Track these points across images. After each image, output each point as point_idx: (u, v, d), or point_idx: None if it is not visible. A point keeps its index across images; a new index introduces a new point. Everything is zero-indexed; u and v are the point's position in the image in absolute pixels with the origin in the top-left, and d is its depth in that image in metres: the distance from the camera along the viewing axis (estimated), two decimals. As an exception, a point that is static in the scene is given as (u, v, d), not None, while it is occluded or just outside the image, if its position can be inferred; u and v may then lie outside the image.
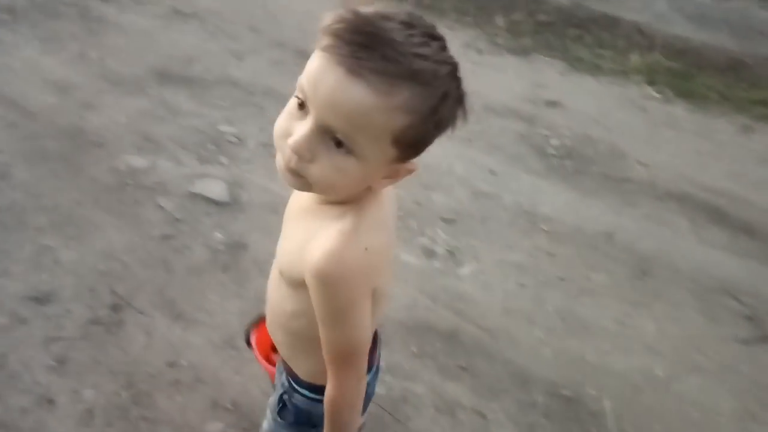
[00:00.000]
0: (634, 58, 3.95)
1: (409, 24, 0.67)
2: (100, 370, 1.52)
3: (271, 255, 0.90)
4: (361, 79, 0.63)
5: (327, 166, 0.68)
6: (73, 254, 1.84)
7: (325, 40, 0.65)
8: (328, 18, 0.66)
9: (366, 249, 0.74)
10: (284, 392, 0.95)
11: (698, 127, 3.33)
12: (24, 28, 3.34)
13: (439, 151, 2.73)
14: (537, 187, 2.60)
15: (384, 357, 1.70)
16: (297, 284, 0.78)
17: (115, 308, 1.68)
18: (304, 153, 0.67)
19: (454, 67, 0.72)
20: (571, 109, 3.34)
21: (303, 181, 0.71)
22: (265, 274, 0.96)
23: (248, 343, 1.20)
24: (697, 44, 4.47)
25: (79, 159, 2.29)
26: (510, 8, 4.63)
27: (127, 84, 2.89)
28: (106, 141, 2.43)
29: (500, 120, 3.12)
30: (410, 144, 0.70)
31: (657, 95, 3.58)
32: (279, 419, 0.96)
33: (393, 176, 0.74)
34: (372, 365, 0.96)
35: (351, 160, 0.67)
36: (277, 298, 0.88)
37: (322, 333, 0.77)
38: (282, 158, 0.71)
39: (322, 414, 0.86)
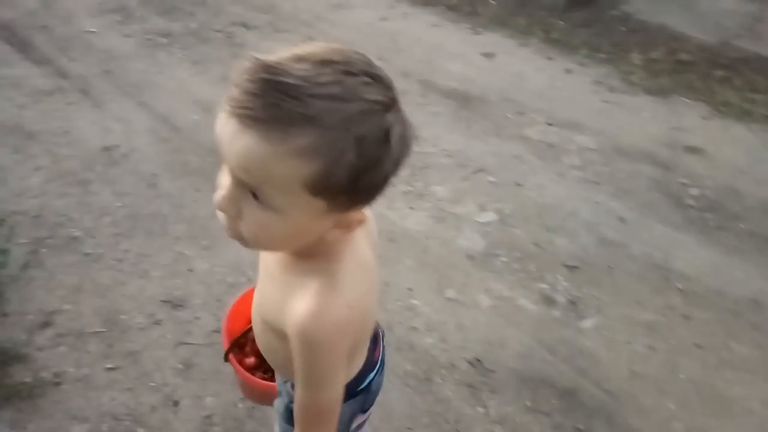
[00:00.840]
0: (792, 105, 3.57)
1: (325, 62, 0.61)
2: (220, 379, 1.59)
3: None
4: (250, 129, 0.59)
5: (251, 221, 0.65)
6: (205, 264, 1.95)
7: (228, 92, 0.62)
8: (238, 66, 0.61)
9: (348, 306, 0.71)
10: (291, 401, 0.91)
11: None
12: (178, 50, 3.68)
13: (564, 192, 2.62)
14: (672, 239, 2.39)
15: (495, 407, 1.64)
16: (282, 335, 0.75)
17: (238, 321, 1.75)
18: (228, 209, 0.66)
19: (381, 105, 0.61)
20: (715, 158, 3.07)
21: (238, 239, 0.68)
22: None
23: (227, 360, 1.19)
24: None
25: (217, 175, 2.45)
26: (647, 45, 4.39)
27: (263, 106, 3.08)
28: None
29: (632, 164, 2.93)
30: (335, 191, 0.62)
31: (818, 148, 3.20)
32: (290, 425, 0.92)
33: (344, 227, 0.69)
34: (375, 362, 0.95)
35: (270, 214, 0.63)
36: (264, 341, 0.87)
37: (297, 390, 0.75)
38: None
39: None
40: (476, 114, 3.33)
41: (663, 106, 3.59)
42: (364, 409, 0.96)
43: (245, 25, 4.15)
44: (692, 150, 3.12)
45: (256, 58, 0.61)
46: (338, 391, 0.76)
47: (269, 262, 0.80)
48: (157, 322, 1.71)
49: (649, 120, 3.41)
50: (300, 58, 0.62)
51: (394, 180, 0.65)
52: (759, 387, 1.77)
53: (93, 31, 3.79)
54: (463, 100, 3.42)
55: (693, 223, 2.54)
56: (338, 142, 0.59)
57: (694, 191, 2.76)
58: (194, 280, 1.88)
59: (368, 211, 0.78)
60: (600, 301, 2.03)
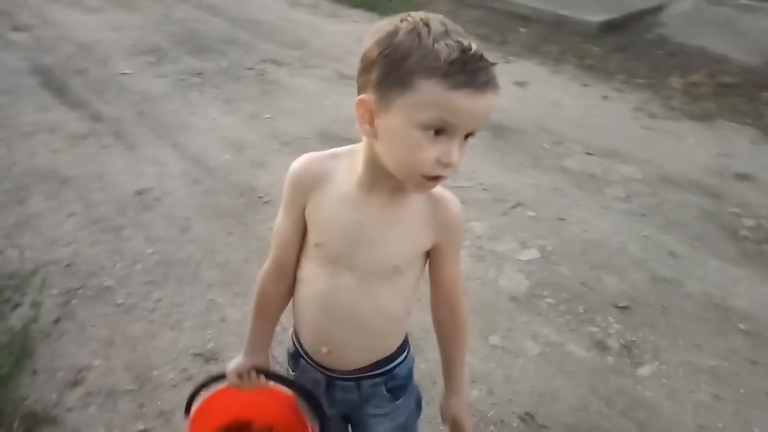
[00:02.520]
0: None
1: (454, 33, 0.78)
2: (254, 440, 1.50)
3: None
4: (492, 91, 0.76)
5: (461, 153, 0.79)
6: (238, 313, 1.89)
7: (458, 77, 0.74)
8: (440, 52, 0.74)
9: None
10: (385, 384, 1.00)
11: None
12: (210, 89, 3.71)
13: (609, 226, 2.49)
14: (729, 275, 2.24)
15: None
16: (414, 261, 0.93)
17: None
18: (461, 154, 0.79)
19: None
20: (765, 184, 2.90)
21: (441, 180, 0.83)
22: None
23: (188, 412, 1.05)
24: None
25: (250, 216, 2.41)
26: (687, 69, 4.25)
27: (294, 144, 3.05)
28: (273, 199, 2.54)
29: (680, 193, 2.78)
30: None
31: None
32: (398, 402, 1.03)
33: None
34: None
35: (468, 142, 0.80)
36: (373, 310, 0.93)
37: (457, 268, 0.97)
38: (424, 179, 0.80)
39: (413, 362, 1.05)
40: (511, 144, 3.23)
41: (708, 131, 3.44)
42: None
43: (276, 62, 4.18)
44: (743, 177, 2.96)
45: (459, 42, 0.74)
46: None
47: (369, 222, 0.89)
48: (190, 378, 1.64)
49: (694, 147, 3.26)
50: (455, 32, 0.77)
51: None
52: (843, 443, 1.59)
53: (128, 73, 3.86)
54: (497, 131, 3.33)
55: (750, 256, 2.37)
56: None
57: (749, 222, 2.60)
58: (227, 331, 1.82)
59: None
60: (656, 345, 1.89)
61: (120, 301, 1.92)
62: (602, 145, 3.19)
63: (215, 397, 1.06)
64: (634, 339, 1.90)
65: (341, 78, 3.92)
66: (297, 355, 1.04)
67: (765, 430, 1.62)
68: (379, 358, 0.99)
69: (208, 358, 1.72)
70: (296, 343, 1.04)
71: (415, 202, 0.89)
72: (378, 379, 1.00)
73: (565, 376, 1.74)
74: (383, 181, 0.85)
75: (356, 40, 4.68)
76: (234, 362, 1.04)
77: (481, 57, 0.74)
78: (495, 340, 1.86)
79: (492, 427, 1.56)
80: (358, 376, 0.99)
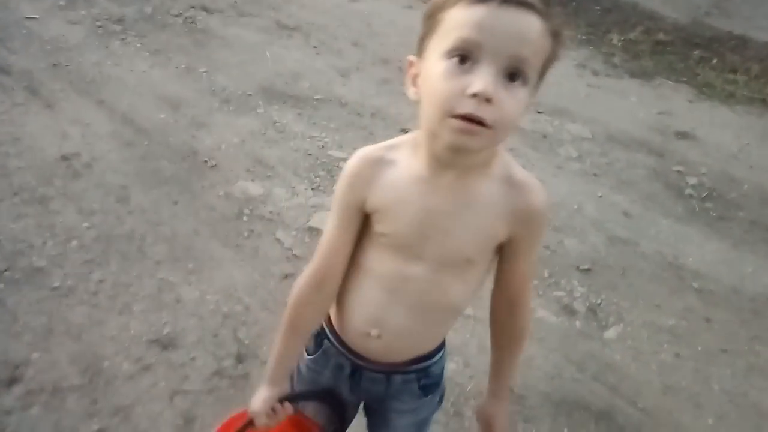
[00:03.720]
0: (771, 85, 3.56)
1: None
2: None
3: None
4: (530, 12, 0.69)
5: (511, 102, 0.70)
6: (195, 292, 1.73)
7: None
8: None
9: None
10: (418, 380, 0.94)
11: None
12: (134, 38, 3.35)
13: (566, 188, 2.50)
14: (679, 234, 2.32)
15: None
16: (487, 254, 0.84)
17: (240, 358, 1.56)
18: (494, 93, 0.69)
19: None
20: (706, 142, 3.01)
21: (479, 135, 0.70)
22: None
23: None
24: (840, 70, 3.99)
25: (195, 183, 2.21)
26: (624, 25, 4.30)
27: (236, 101, 2.82)
28: (220, 164, 2.35)
29: (627, 152, 2.84)
30: (545, 71, 0.74)
31: (803, 128, 3.19)
32: (426, 398, 0.97)
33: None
34: None
35: (523, 90, 0.71)
36: (442, 302, 0.87)
37: (531, 266, 0.87)
38: (455, 120, 0.70)
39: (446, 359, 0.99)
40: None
41: (648, 89, 3.52)
42: None
43: (206, 9, 3.82)
44: (683, 135, 3.05)
45: None
46: None
47: (439, 212, 0.81)
48: (147, 368, 1.49)
49: (636, 105, 3.33)
50: None
51: None
52: (791, 393, 1.71)
53: (34, 18, 3.40)
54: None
55: (695, 214, 2.47)
56: (561, 27, 0.72)
57: (692, 180, 2.69)
58: (184, 313, 1.66)
59: None
60: (619, 307, 1.93)
61: (56, 284, 1.70)
62: (551, 103, 3.18)
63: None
64: (598, 302, 1.93)
65: (281, 28, 3.65)
66: (321, 336, 0.95)
67: (723, 385, 1.70)
68: (421, 354, 0.92)
69: (165, 344, 1.57)
70: (326, 324, 0.95)
71: (492, 188, 0.79)
72: (411, 375, 0.93)
73: (538, 343, 1.75)
74: (447, 161, 0.77)
75: (293, -15, 4.38)
76: (259, 399, 0.91)
77: None
78: (467, 310, 1.82)
79: (473, 400, 1.54)
80: (391, 370, 0.92)
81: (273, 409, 0.90)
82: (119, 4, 3.76)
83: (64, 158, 2.24)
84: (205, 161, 2.35)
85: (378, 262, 0.85)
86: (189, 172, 2.28)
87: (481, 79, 0.68)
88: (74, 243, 1.85)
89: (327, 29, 3.71)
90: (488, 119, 0.69)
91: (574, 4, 4.61)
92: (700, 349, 1.81)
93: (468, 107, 0.68)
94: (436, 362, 0.95)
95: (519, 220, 0.80)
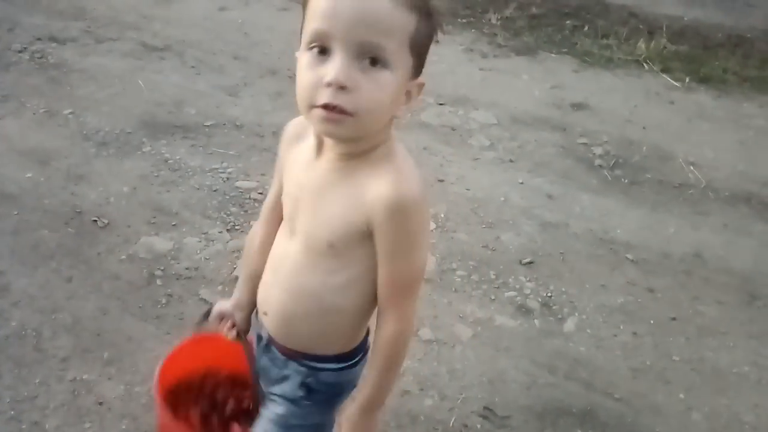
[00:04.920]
0: (640, 46, 3.77)
1: None
2: None
3: None
4: None
5: (370, 87, 0.70)
6: (119, 387, 1.46)
7: None
8: None
9: (420, 179, 0.79)
10: (305, 378, 0.92)
11: (729, 114, 3.17)
12: (-27, 86, 2.86)
13: (486, 180, 2.47)
14: (600, 207, 2.36)
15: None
16: (353, 244, 0.80)
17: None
18: (347, 81, 0.69)
19: None
20: (599, 110, 3.12)
21: (344, 123, 0.71)
22: None
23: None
24: (692, 23, 4.34)
25: (88, 250, 1.90)
26: (499, 3, 4.37)
27: (115, 143, 2.49)
28: (113, 221, 2.04)
29: (532, 131, 2.86)
30: (420, 49, 0.74)
31: (677, 84, 3.41)
32: (307, 402, 0.92)
33: (408, 98, 0.77)
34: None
35: (387, 74, 0.70)
36: (311, 287, 0.85)
37: (392, 269, 0.80)
38: (317, 110, 0.72)
39: (350, 379, 0.93)
40: (363, 106, 3.04)
41: (535, 65, 3.59)
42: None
43: (55, 39, 3.35)
44: (578, 106, 3.14)
45: None
46: (427, 258, 0.83)
47: (313, 186, 0.83)
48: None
49: (529, 82, 3.38)
50: None
51: None
52: (740, 347, 1.78)
53: None
54: (344, 92, 3.10)
55: (610, 184, 2.54)
56: (426, 6, 0.71)
57: (598, 150, 2.77)
58: (111, 416, 1.39)
59: None
60: (569, 295, 1.91)
61: (-65, 417, 1.37)
62: (450, 93, 3.14)
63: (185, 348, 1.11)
64: (549, 294, 1.91)
65: (148, 50, 3.30)
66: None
67: (682, 354, 1.73)
68: (312, 352, 0.90)
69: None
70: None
71: (363, 175, 0.78)
72: (302, 369, 0.91)
73: (504, 353, 1.68)
74: (328, 144, 0.80)
75: (150, 0, 3.98)
76: (224, 302, 1.02)
77: None
78: (426, 333, 1.71)
79: (459, 436, 1.44)
80: (289, 355, 0.91)
81: (224, 318, 1.00)
82: (-57, 46, 3.21)
83: None
84: (94, 221, 2.03)
85: (277, 236, 0.91)
86: (77, 239, 1.95)
87: (332, 68, 0.69)
88: (-51, 359, 1.51)
89: (201, 45, 3.40)
90: (347, 107, 0.70)
91: (445, -13, 4.64)
92: (652, 322, 1.84)
93: (326, 97, 0.70)
94: (329, 371, 0.91)
95: (373, 211, 0.77)
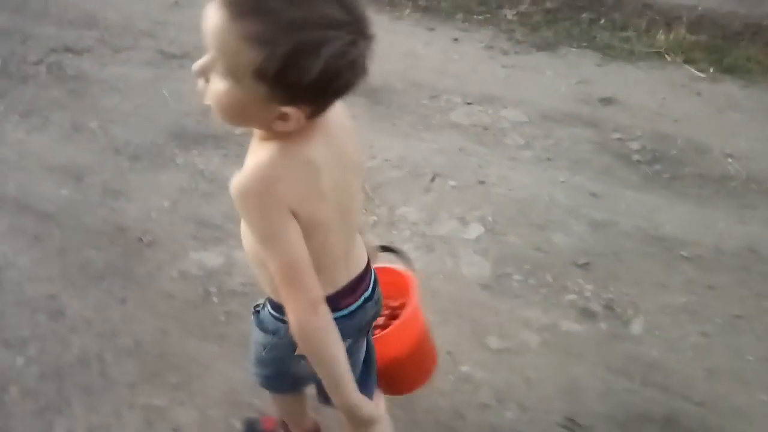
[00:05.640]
0: (660, 37, 3.74)
1: None
2: None
3: None
4: (221, 10, 0.71)
5: (211, 87, 0.78)
6: (192, 412, 1.42)
7: None
8: None
9: (259, 171, 0.82)
10: (258, 318, 1.10)
11: (759, 103, 3.14)
12: (-8, 101, 2.80)
13: (527, 179, 2.43)
14: (645, 203, 2.33)
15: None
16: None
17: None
18: (199, 73, 0.79)
19: (328, 21, 0.72)
20: (628, 104, 3.09)
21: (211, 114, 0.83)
22: None
23: None
24: (708, 13, 4.32)
25: (137, 269, 1.85)
26: (512, -1, 4.34)
27: (147, 156, 2.43)
28: (158, 237, 1.99)
29: (565, 128, 2.83)
30: (271, 81, 0.74)
31: (701, 75, 3.38)
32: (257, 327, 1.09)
33: (284, 119, 0.79)
34: (341, 307, 1.00)
35: (224, 84, 0.76)
36: (243, 232, 0.96)
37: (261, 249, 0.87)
38: None
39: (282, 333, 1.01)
40: (392, 107, 2.98)
41: (557, 60, 3.55)
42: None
43: (70, 50, 3.29)
44: (606, 101, 3.11)
45: None
46: (293, 253, 0.84)
47: None
48: None
49: (553, 78, 3.34)
50: None
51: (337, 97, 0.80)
52: (810, 343, 1.75)
53: None
54: (370, 94, 3.05)
55: (651, 179, 2.50)
56: (279, 37, 0.70)
57: (634, 145, 2.74)
58: (191, 443, 1.36)
59: (343, 138, 0.91)
60: (630, 296, 1.88)
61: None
62: (476, 92, 3.10)
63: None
64: (610, 296, 1.87)
65: (167, 58, 3.24)
66: None
67: (755, 354, 1.70)
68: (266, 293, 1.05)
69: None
70: None
71: None
72: (260, 302, 1.11)
73: (576, 359, 1.64)
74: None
75: (161, 5, 3.92)
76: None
77: None
78: (494, 342, 1.68)
79: (547, 450, 1.40)
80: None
81: None
82: (-44, 62, 3.13)
83: (-41, 276, 1.77)
84: (139, 238, 1.98)
85: None
86: (125, 257, 1.90)
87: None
88: (13, 390, 1.45)
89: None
90: (206, 95, 0.81)
91: (456, -17, 4.58)
92: (718, 321, 1.81)
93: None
94: (264, 309, 1.08)
95: None
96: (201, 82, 0.79)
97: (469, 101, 3.04)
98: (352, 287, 1.01)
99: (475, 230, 2.13)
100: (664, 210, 2.30)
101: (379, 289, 1.08)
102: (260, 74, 0.72)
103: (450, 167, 2.48)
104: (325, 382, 0.89)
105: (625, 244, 2.11)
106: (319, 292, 0.86)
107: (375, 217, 2.19)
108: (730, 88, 3.29)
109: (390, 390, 1.21)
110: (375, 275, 1.08)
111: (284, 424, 1.32)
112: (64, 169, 2.32)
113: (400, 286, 1.28)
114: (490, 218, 2.18)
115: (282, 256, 0.84)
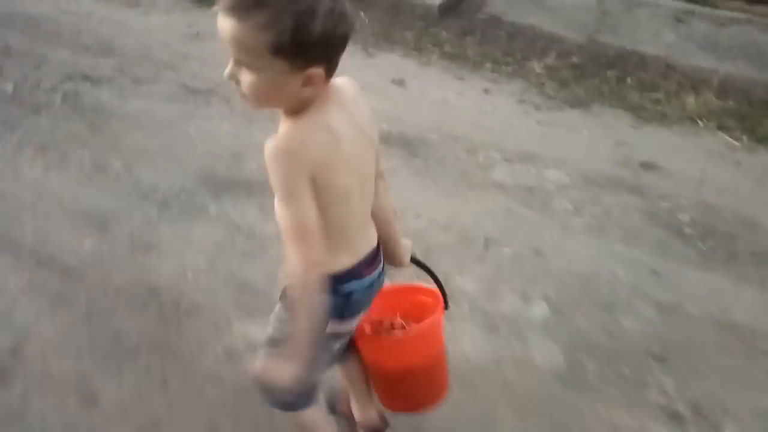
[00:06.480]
0: (689, 101, 3.71)
1: None
2: None
3: None
4: (228, 16, 0.86)
5: (245, 84, 0.92)
6: None
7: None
8: None
9: (290, 139, 0.97)
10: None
11: (797, 176, 3.11)
12: (3, 131, 2.58)
13: (584, 251, 2.30)
14: (708, 285, 2.21)
15: None
16: None
17: None
18: (230, 78, 0.94)
19: None
20: (669, 171, 3.01)
21: (245, 100, 0.97)
22: None
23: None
24: (728, 78, 4.33)
25: (177, 342, 1.64)
26: (535, 51, 4.27)
27: (177, 203, 2.24)
28: (197, 302, 1.79)
29: (611, 194, 2.72)
30: (288, 52, 0.88)
31: (736, 143, 3.33)
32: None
33: (310, 83, 0.92)
34: (364, 275, 1.11)
35: (252, 75, 0.90)
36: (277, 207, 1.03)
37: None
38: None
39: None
40: (430, 161, 2.85)
41: (591, 119, 3.48)
42: (341, 315, 1.12)
43: (88, 78, 3.09)
44: (647, 166, 3.03)
45: None
46: (303, 215, 0.96)
47: None
48: None
49: (590, 138, 3.26)
50: None
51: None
52: None
53: None
54: (406, 145, 2.92)
55: (707, 257, 2.39)
56: (280, 15, 0.85)
57: (683, 216, 2.64)
58: None
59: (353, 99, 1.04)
60: (716, 396, 1.74)
61: None
62: (513, 148, 3.00)
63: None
64: (695, 395, 1.72)
65: (191, 93, 3.06)
66: None
67: None
68: None
69: None
70: None
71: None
72: None
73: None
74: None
75: (180, 37, 3.75)
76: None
77: None
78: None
79: None
80: None
81: None
82: (-38, 82, 2.91)
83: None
84: (176, 303, 1.78)
85: None
86: (161, 327, 1.69)
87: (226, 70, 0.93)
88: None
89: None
90: (241, 92, 0.94)
91: (479, 32, 4.53)
92: (813, 429, 1.67)
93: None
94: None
95: None
96: (233, 85, 0.94)
97: (508, 158, 2.92)
98: (371, 258, 1.13)
99: (540, 309, 1.97)
100: (728, 293, 2.19)
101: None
102: (278, 50, 0.86)
103: (501, 232, 2.34)
104: (295, 328, 1.00)
105: (697, 333, 1.98)
106: (321, 256, 0.97)
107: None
108: (765, 158, 3.25)
109: (402, 403, 1.38)
110: (381, 249, 1.18)
111: None
112: (87, 215, 2.11)
113: (427, 305, 1.34)
114: (552, 295, 2.03)
115: (297, 216, 0.95)
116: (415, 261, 1.32)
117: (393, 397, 1.38)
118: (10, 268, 1.80)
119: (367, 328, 1.32)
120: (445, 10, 4.87)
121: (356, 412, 1.45)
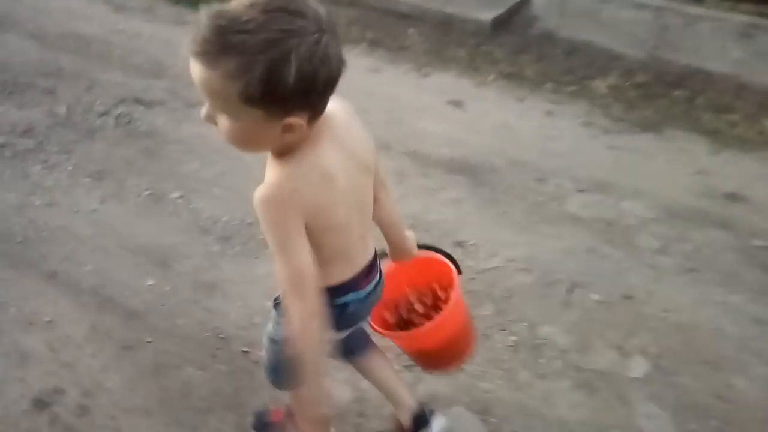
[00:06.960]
0: (767, 125, 3.48)
1: (254, 4, 0.79)
2: None
3: None
4: (197, 62, 0.81)
5: (220, 127, 0.88)
6: None
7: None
8: None
9: (278, 185, 0.92)
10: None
11: None
12: (58, 157, 2.50)
13: (678, 297, 2.09)
14: (820, 337, 1.99)
15: None
16: None
17: None
18: (207, 120, 0.89)
19: (286, 33, 0.79)
20: (756, 202, 2.78)
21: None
22: None
23: None
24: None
25: (249, 399, 1.51)
26: (596, 69, 4.06)
27: (238, 238, 2.12)
28: (258, 344, 1.64)
29: (698, 230, 2.50)
30: (261, 101, 0.82)
31: (824, 173, 3.09)
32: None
33: (290, 131, 0.87)
34: (361, 288, 1.12)
35: (229, 121, 0.86)
36: None
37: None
38: None
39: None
40: (497, 190, 2.68)
41: (665, 143, 3.26)
42: (336, 328, 1.11)
43: (140, 101, 3.02)
44: (732, 197, 2.80)
45: (213, 10, 0.80)
46: (301, 261, 0.93)
47: None
48: None
49: (666, 165, 3.04)
50: (251, 5, 0.79)
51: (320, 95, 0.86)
52: None
53: None
54: (469, 172, 2.76)
55: (813, 304, 2.18)
56: (250, 64, 0.79)
57: (780, 256, 2.42)
58: None
59: (348, 130, 1.01)
60: None
61: None
62: (585, 176, 2.80)
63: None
64: (829, 474, 1.52)
65: (246, 118, 2.95)
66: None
67: None
68: None
69: None
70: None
71: None
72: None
73: None
74: None
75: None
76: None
77: (205, 28, 0.79)
78: None
79: None
80: None
81: None
82: (17, 106, 2.86)
83: (40, 404, 1.42)
84: (246, 353, 1.64)
85: None
86: (231, 381, 1.56)
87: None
88: None
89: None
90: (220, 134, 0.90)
91: (534, 50, 4.36)
92: None
93: None
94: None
95: None
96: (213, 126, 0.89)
97: (581, 188, 2.73)
98: (368, 270, 1.11)
99: (639, 366, 1.78)
100: None
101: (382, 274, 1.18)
102: (249, 100, 0.81)
103: (585, 274, 2.15)
104: (303, 374, 0.97)
105: (817, 396, 1.76)
106: (318, 304, 0.95)
107: (514, 337, 1.85)
108: None
109: (434, 365, 1.47)
110: (379, 260, 1.17)
111: (291, 416, 1.33)
112: (147, 252, 2.00)
113: (445, 276, 1.34)
114: (651, 350, 1.84)
115: (291, 264, 0.92)
116: (420, 246, 1.35)
117: (434, 364, 1.47)
118: (72, 313, 1.69)
119: (387, 316, 1.36)
120: (497, 26, 4.71)
121: (397, 413, 1.40)
